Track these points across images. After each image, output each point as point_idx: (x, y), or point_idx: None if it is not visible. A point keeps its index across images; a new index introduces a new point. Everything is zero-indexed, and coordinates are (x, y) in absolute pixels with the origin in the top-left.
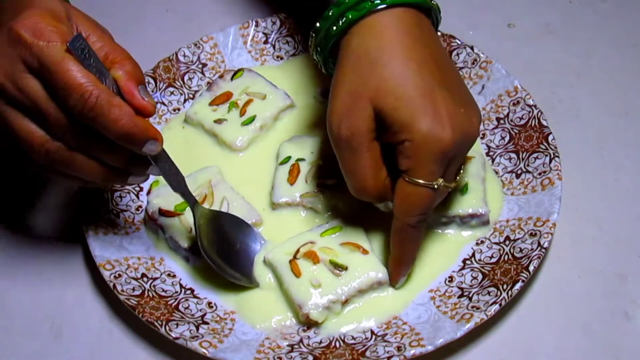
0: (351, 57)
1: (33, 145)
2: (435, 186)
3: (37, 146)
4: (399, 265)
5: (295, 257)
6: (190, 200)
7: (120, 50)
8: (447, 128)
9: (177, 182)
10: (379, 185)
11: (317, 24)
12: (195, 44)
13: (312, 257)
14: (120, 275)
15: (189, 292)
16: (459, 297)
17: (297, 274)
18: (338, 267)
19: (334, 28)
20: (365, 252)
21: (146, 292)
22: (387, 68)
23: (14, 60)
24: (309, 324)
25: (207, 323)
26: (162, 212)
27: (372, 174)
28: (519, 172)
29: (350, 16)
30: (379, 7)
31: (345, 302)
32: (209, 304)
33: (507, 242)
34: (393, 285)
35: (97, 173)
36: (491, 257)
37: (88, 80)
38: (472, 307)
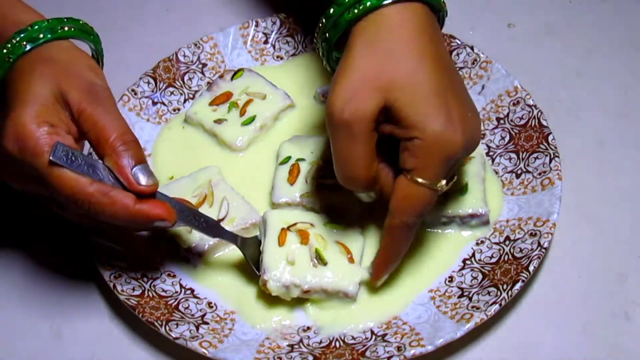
0: (365, 44)
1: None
2: (438, 188)
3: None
4: (386, 263)
5: (289, 228)
6: (233, 240)
7: (111, 129)
8: (459, 131)
9: (210, 230)
10: (369, 176)
11: (331, 10)
12: (195, 44)
13: (303, 237)
14: (120, 275)
15: (189, 292)
16: (459, 297)
17: (281, 242)
18: (319, 259)
19: (348, 14)
20: (351, 260)
21: (146, 292)
22: (404, 62)
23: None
24: (264, 288)
25: (207, 323)
26: None
27: (366, 164)
28: (519, 172)
29: (368, 4)
30: None
31: (305, 292)
32: (209, 304)
33: (507, 242)
34: (374, 281)
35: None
36: (491, 257)
37: (77, 187)
38: (472, 307)
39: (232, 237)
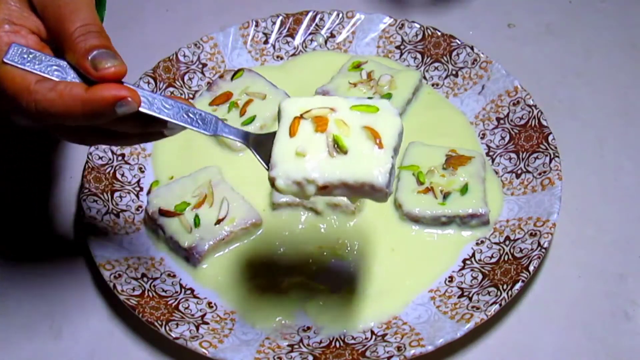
0: None
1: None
2: None
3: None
4: None
5: (302, 115)
6: (239, 135)
7: (73, 21)
8: None
9: (209, 126)
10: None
11: None
12: (195, 44)
13: (319, 124)
14: (120, 275)
15: (189, 292)
16: (459, 297)
17: (292, 132)
18: (338, 147)
19: None
20: (380, 145)
21: (146, 292)
22: None
23: None
24: (273, 187)
25: (207, 323)
26: (162, 212)
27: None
28: (519, 172)
29: None
30: None
31: (322, 188)
32: (209, 304)
33: (507, 242)
34: None
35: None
36: (491, 257)
37: (21, 84)
38: (472, 307)
39: (237, 133)
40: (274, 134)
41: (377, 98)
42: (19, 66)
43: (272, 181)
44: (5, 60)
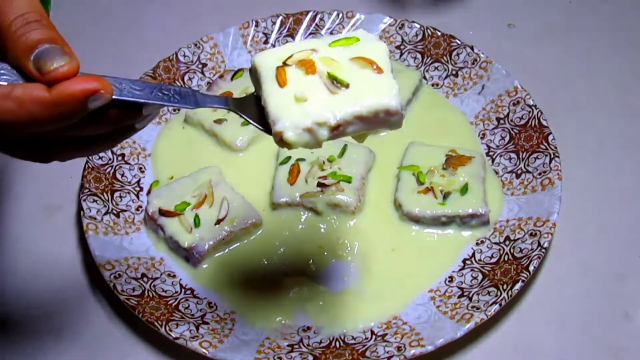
0: None
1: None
2: None
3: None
4: None
5: (285, 63)
6: (220, 103)
7: (9, 12)
8: None
9: (187, 100)
10: None
11: None
12: (195, 44)
13: (307, 66)
14: (120, 276)
15: (189, 292)
16: (459, 297)
17: (281, 82)
18: (337, 82)
19: None
20: (379, 70)
21: (146, 292)
22: None
23: None
24: (282, 145)
25: (207, 323)
26: (162, 212)
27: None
28: (519, 172)
29: None
30: None
31: (335, 128)
32: (209, 304)
33: (507, 242)
34: None
35: (100, 147)
36: (491, 257)
37: None
38: (472, 307)
39: (218, 101)
40: (252, 96)
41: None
42: None
43: (279, 136)
44: None
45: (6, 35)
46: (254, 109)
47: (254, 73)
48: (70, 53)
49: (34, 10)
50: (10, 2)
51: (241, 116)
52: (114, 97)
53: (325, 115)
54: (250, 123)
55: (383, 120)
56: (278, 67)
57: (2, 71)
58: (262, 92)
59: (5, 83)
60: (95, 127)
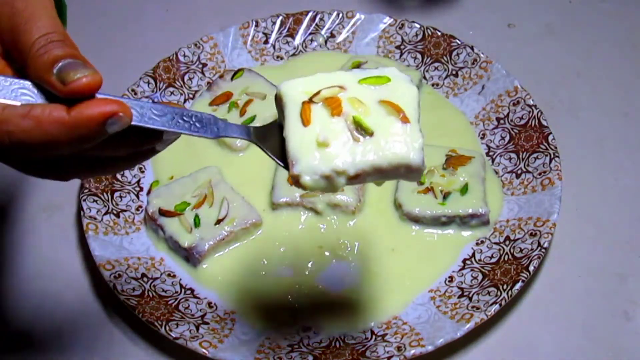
0: None
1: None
2: None
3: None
4: None
5: (311, 99)
6: (241, 133)
7: (32, 33)
8: None
9: (207, 129)
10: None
11: None
12: (195, 44)
13: (333, 106)
14: (120, 276)
15: (189, 292)
16: (459, 297)
17: (305, 121)
18: (361, 129)
19: None
20: (405, 120)
21: (146, 292)
22: None
23: None
24: (297, 186)
25: (207, 323)
26: (162, 212)
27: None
28: (519, 172)
29: None
30: None
31: (353, 177)
32: (209, 304)
33: (507, 242)
34: None
35: (119, 168)
36: (491, 257)
37: None
38: (472, 307)
39: (239, 131)
40: (275, 124)
41: (382, 67)
42: None
43: (296, 179)
44: None
45: (29, 54)
46: (276, 138)
47: (279, 102)
48: (93, 67)
49: (57, 30)
50: (35, 22)
51: (263, 149)
52: (133, 123)
53: (345, 165)
54: (272, 158)
55: (403, 173)
56: (304, 103)
57: (23, 90)
58: (285, 127)
59: (24, 102)
60: (114, 150)
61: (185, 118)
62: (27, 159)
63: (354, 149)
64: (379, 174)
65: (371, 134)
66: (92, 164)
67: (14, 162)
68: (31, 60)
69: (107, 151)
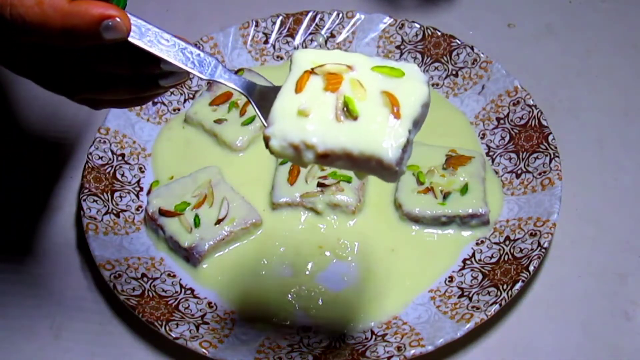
0: None
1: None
2: None
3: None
4: None
5: (313, 69)
6: (238, 84)
7: None
8: None
9: (205, 70)
10: None
11: None
12: (195, 44)
13: (331, 82)
14: (120, 275)
15: (189, 292)
16: (459, 297)
17: (298, 88)
18: (347, 111)
19: None
20: (397, 115)
21: (146, 292)
22: None
23: None
24: (268, 149)
25: (207, 323)
26: (162, 212)
27: None
28: (519, 172)
29: None
30: None
31: (322, 156)
32: (209, 304)
33: (507, 242)
34: None
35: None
36: (491, 257)
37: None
38: (472, 307)
39: (238, 82)
40: (279, 88)
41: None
42: None
43: (266, 140)
44: None
45: None
46: (273, 101)
47: (290, 65)
48: None
49: None
50: None
51: (255, 109)
52: (130, 39)
53: (315, 139)
54: (258, 115)
55: (374, 168)
56: (305, 71)
57: None
58: (281, 89)
59: None
60: (114, 65)
61: (187, 52)
62: (24, 43)
63: (331, 126)
64: (350, 161)
65: (355, 118)
66: (97, 83)
67: (11, 52)
68: None
69: (105, 64)
